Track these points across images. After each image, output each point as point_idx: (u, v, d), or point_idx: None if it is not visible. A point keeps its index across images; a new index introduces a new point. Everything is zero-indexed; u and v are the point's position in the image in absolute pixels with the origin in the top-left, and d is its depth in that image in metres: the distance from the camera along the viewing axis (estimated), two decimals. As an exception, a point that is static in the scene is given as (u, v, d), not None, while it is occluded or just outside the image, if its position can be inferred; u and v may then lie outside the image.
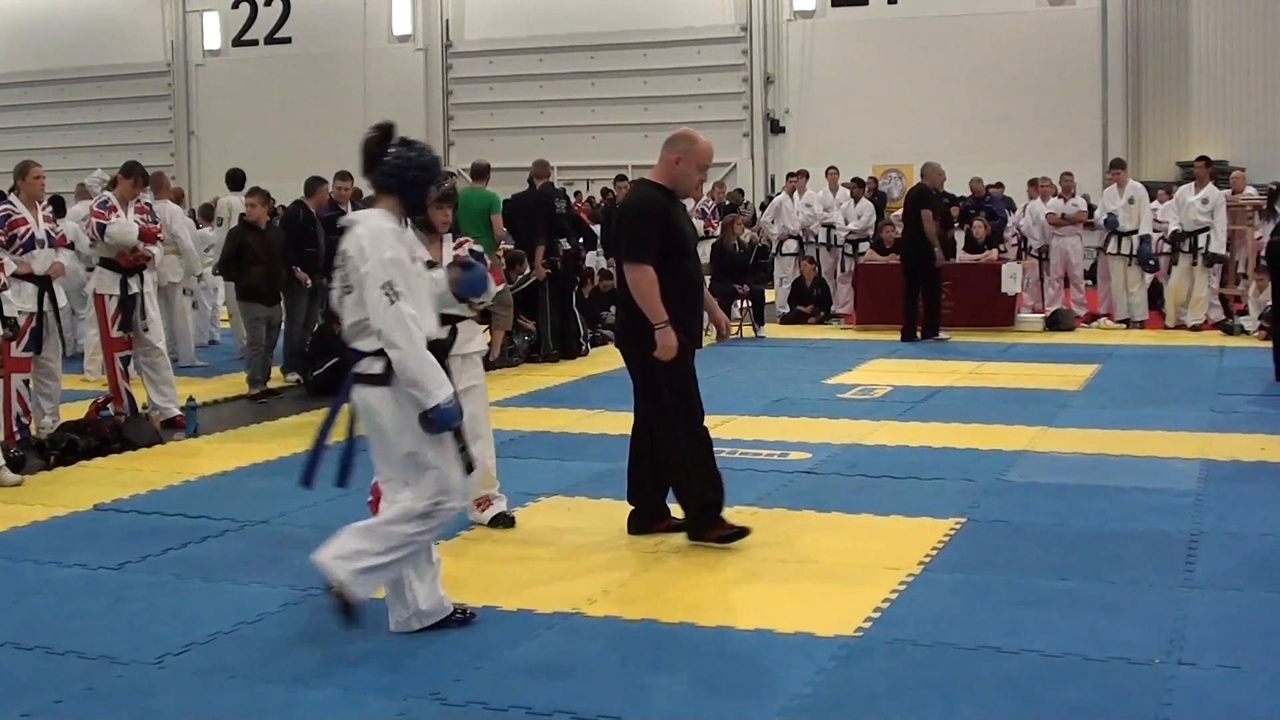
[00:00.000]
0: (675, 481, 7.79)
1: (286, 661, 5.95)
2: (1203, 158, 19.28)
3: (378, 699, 5.46)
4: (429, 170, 6.18)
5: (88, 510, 8.89)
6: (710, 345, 17.54)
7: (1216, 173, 19.20)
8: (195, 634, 6.27)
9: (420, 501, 6.00)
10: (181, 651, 6.05)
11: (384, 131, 6.13)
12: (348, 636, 6.28)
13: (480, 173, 16.01)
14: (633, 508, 8.05)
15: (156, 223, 12.42)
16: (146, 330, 11.89)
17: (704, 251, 20.21)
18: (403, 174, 6.07)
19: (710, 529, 7.66)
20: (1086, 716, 5.21)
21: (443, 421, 5.85)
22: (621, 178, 21.40)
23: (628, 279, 7.52)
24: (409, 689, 5.55)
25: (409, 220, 6.31)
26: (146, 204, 12.42)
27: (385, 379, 5.91)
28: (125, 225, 11.63)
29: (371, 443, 6.15)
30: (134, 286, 11.75)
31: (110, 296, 11.70)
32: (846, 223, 21.09)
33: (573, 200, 20.73)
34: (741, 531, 7.66)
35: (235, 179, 17.32)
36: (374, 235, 5.92)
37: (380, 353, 5.88)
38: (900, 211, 19.86)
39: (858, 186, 22.29)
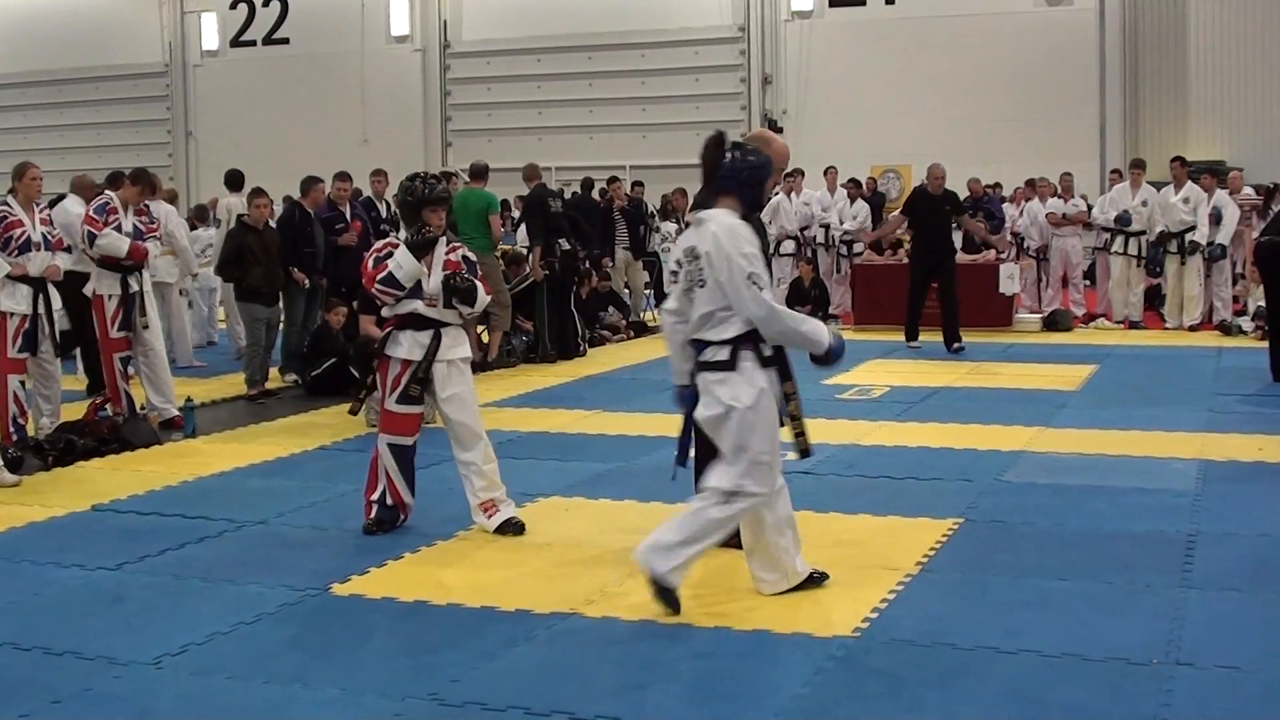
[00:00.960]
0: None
1: (284, 662, 5.95)
2: (1178, 158, 19.41)
3: (375, 699, 5.46)
4: (762, 170, 6.62)
5: (86, 511, 8.88)
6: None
7: (1193, 173, 19.29)
8: (193, 634, 6.27)
9: (725, 483, 6.44)
10: (179, 652, 6.05)
11: (718, 138, 6.58)
12: (345, 637, 6.29)
13: (479, 173, 16.00)
14: None
15: (154, 223, 12.40)
16: (146, 329, 11.88)
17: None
18: (739, 175, 6.52)
19: (733, 536, 7.62)
20: (1085, 717, 5.21)
21: (837, 353, 6.61)
22: (615, 179, 21.34)
23: None
24: (407, 689, 5.55)
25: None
26: (144, 205, 12.40)
27: (730, 364, 6.40)
28: (115, 239, 11.59)
29: (711, 429, 6.51)
30: (134, 285, 11.75)
31: (110, 296, 11.69)
32: (842, 222, 21.08)
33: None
34: None
35: (234, 180, 17.30)
36: (730, 231, 6.37)
37: (726, 342, 6.38)
38: (898, 212, 19.87)
39: (854, 187, 22.26)
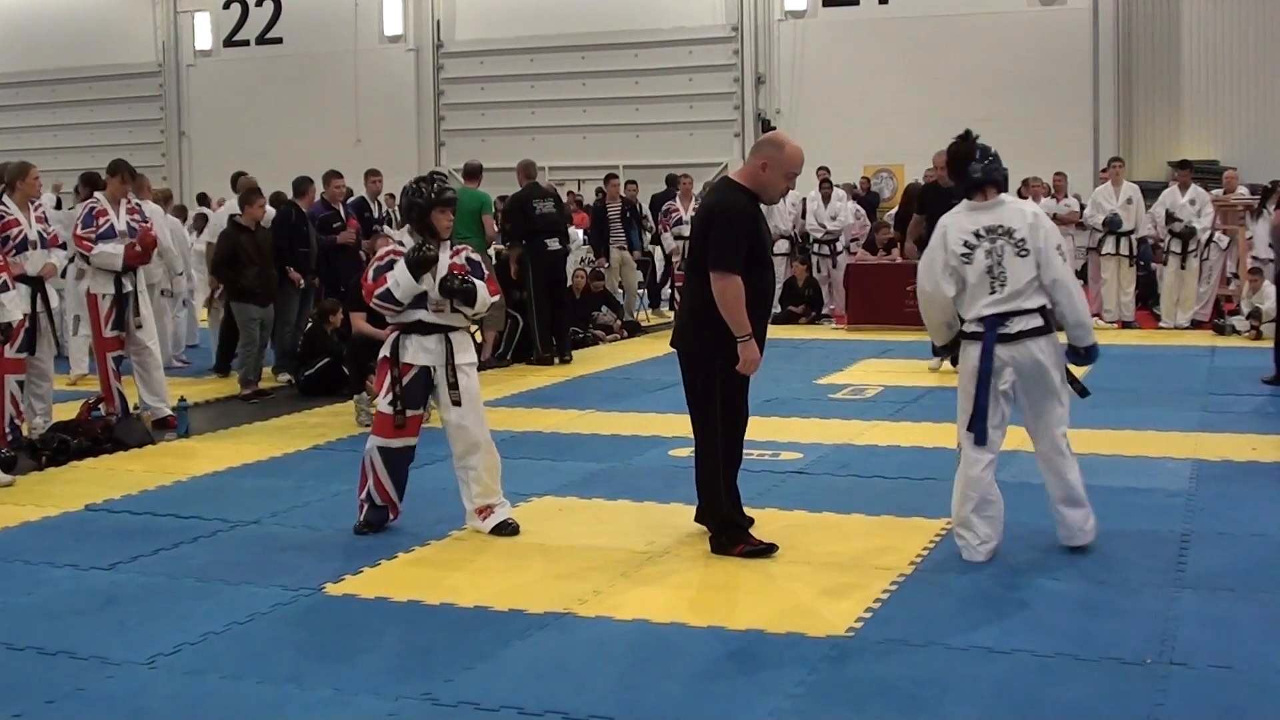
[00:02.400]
0: (704, 492, 7.66)
1: (278, 662, 5.95)
2: (1184, 161, 19.48)
3: (369, 699, 5.46)
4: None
5: (79, 510, 8.87)
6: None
7: (1196, 173, 19.41)
8: (187, 634, 6.26)
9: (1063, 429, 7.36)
10: (173, 652, 6.05)
11: (967, 135, 7.53)
12: (339, 637, 6.29)
13: (472, 173, 15.98)
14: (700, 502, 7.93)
15: (148, 221, 12.32)
16: (139, 329, 11.85)
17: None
18: (1004, 174, 7.51)
19: (736, 543, 7.52)
20: (1078, 717, 5.22)
21: (1095, 355, 7.48)
22: (612, 176, 21.28)
23: (714, 287, 7.26)
24: (400, 689, 5.55)
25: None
26: (136, 204, 12.31)
27: (1048, 329, 7.23)
28: (108, 254, 11.51)
29: (1025, 387, 7.28)
30: (128, 285, 11.71)
31: (104, 296, 11.65)
32: (821, 225, 21.01)
33: (564, 199, 20.48)
34: (770, 548, 7.52)
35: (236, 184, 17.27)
36: (1037, 210, 7.47)
37: (1036, 310, 7.20)
38: (894, 211, 19.84)
39: (828, 187, 21.90)
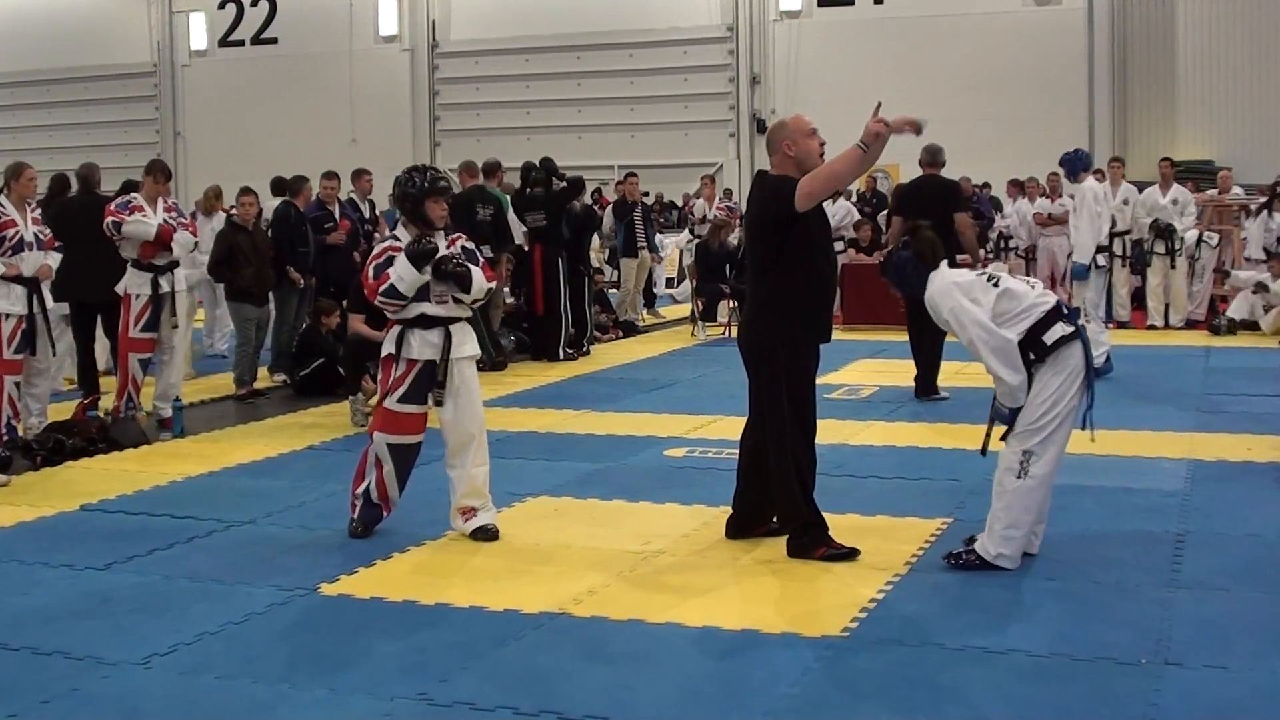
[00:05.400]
0: (779, 494, 7.53)
1: (273, 662, 5.95)
2: (1166, 159, 19.48)
3: (364, 699, 5.46)
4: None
5: (74, 510, 8.86)
6: (702, 344, 17.59)
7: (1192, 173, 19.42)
8: (182, 634, 6.26)
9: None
10: (168, 652, 6.04)
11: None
12: (334, 637, 6.29)
13: (490, 170, 16.16)
14: (732, 511, 7.87)
15: (185, 218, 12.17)
16: (176, 328, 11.80)
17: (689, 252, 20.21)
18: None
19: (818, 545, 7.43)
20: (1073, 717, 5.22)
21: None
22: (632, 174, 20.98)
23: (810, 195, 7.13)
24: (395, 689, 5.55)
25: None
26: (174, 203, 12.15)
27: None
28: (141, 222, 11.44)
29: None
30: (165, 286, 11.62)
31: (138, 296, 11.53)
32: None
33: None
34: (852, 552, 7.44)
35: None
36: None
37: None
38: (886, 212, 19.83)
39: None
